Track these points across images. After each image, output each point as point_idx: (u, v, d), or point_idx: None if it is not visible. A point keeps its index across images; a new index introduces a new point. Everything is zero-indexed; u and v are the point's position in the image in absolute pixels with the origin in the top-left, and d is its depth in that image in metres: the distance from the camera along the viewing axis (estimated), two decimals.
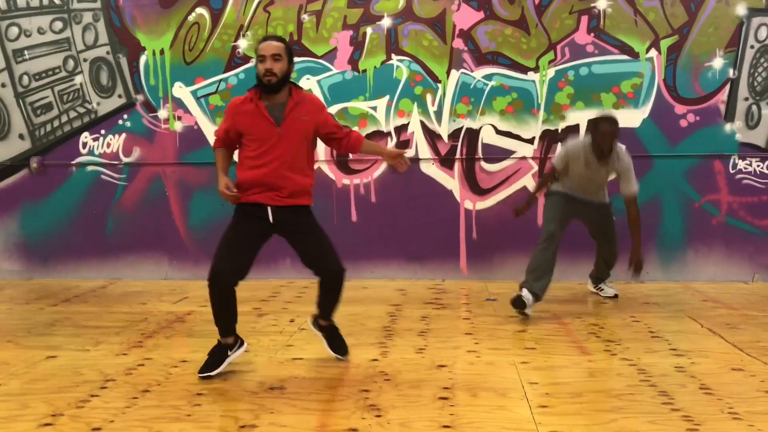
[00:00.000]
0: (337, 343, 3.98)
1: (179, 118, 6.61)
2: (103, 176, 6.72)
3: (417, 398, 3.30)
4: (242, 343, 3.85)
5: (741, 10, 6.12)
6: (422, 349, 4.17)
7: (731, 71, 6.18)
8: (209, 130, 6.59)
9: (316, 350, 4.14)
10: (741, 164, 6.24)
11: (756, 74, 6.17)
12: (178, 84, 6.59)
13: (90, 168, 6.72)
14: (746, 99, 6.20)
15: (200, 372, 3.63)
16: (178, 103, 6.60)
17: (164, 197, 6.69)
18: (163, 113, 6.62)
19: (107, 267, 6.73)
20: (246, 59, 6.50)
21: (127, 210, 6.71)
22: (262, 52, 3.59)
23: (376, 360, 3.95)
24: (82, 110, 6.68)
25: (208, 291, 3.60)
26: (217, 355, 3.72)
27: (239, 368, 3.81)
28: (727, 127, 6.22)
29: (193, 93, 6.60)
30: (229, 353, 3.75)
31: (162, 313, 5.21)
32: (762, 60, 6.15)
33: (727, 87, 6.19)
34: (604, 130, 4.81)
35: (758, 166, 6.23)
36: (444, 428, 2.93)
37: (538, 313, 4.99)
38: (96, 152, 6.71)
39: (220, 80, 6.56)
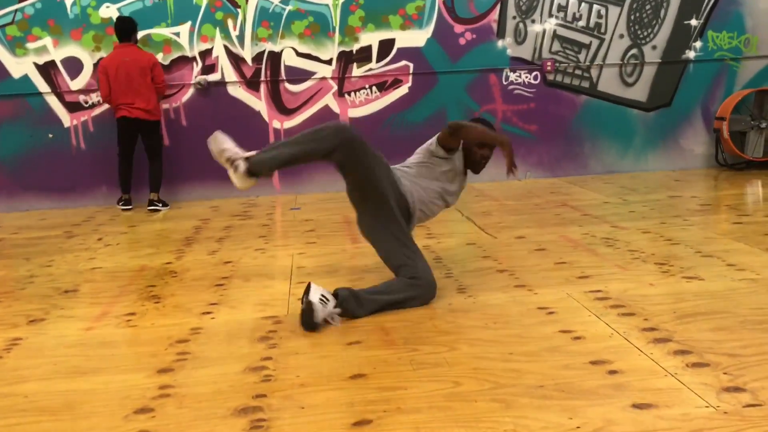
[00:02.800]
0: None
1: None
2: None
3: (196, 287, 3.84)
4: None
5: None
6: (215, 251, 4.70)
7: None
8: (9, 62, 6.58)
9: (116, 261, 4.56)
10: (512, 76, 7.11)
11: None
12: None
13: None
14: (514, 17, 7.02)
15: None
16: None
17: None
18: None
19: None
20: None
21: None
22: None
23: (169, 263, 4.43)
24: None
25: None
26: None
27: (37, 279, 4.17)
28: (500, 43, 7.03)
29: None
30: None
31: None
32: None
33: (498, 6, 6.97)
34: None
35: (526, 77, 7.13)
36: (211, 305, 3.49)
37: (326, 215, 5.65)
38: None
39: (16, 10, 6.52)
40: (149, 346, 2.93)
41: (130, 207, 6.45)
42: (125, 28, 6.20)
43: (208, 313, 3.36)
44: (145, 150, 6.43)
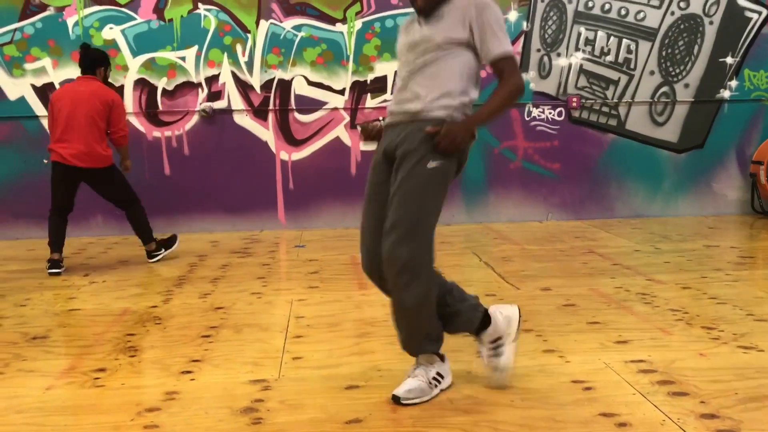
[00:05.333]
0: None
1: None
2: None
3: (180, 338, 3.39)
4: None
5: None
6: (207, 294, 4.26)
7: (525, 24, 6.58)
8: (6, 83, 6.26)
9: (99, 301, 4.13)
10: (535, 112, 6.70)
11: (546, 27, 6.60)
12: None
13: None
14: (538, 50, 6.63)
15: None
16: None
17: None
18: None
19: None
20: (43, 7, 6.18)
21: None
22: None
23: (155, 306, 4.00)
24: None
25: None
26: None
27: (6, 321, 3.74)
28: (522, 76, 6.62)
29: None
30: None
31: None
32: (551, 14, 6.58)
33: (521, 39, 6.59)
34: None
35: (550, 113, 6.72)
36: (193, 362, 3.04)
37: (332, 255, 5.21)
38: None
39: (15, 30, 6.21)
40: (113, 415, 2.48)
41: (58, 271, 4.92)
42: (92, 57, 5.02)
43: (188, 372, 2.92)
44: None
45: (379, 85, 6.53)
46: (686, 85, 6.75)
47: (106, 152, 4.98)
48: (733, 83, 6.78)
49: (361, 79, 6.53)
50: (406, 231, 2.44)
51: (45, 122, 6.31)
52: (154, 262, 5.29)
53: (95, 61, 5.04)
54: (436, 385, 2.57)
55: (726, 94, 6.78)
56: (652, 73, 6.71)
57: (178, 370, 2.94)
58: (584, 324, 3.45)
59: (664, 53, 6.68)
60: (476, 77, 2.61)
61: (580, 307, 3.76)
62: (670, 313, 3.60)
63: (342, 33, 6.46)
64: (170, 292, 4.34)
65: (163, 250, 5.38)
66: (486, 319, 2.66)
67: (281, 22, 6.39)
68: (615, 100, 6.73)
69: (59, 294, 4.35)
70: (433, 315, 2.59)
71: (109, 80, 5.44)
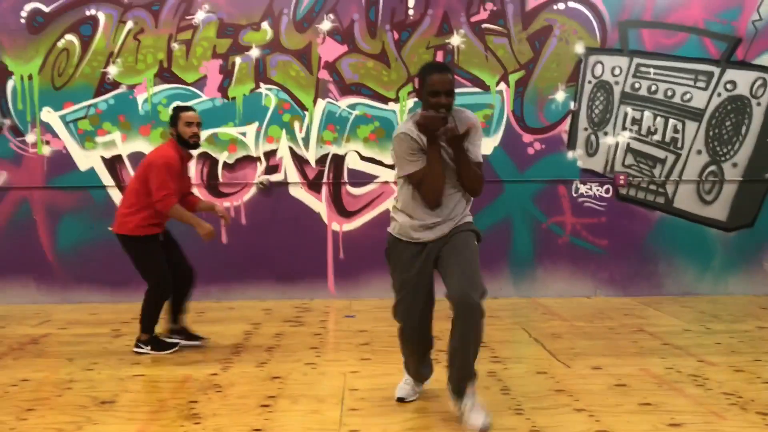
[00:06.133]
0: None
1: (47, 143, 6.65)
2: None
3: (240, 407, 3.53)
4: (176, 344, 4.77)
5: (579, 48, 6.73)
6: (264, 363, 4.40)
7: (572, 104, 6.77)
8: (78, 155, 6.66)
9: (160, 368, 4.30)
10: (582, 188, 6.82)
11: (594, 107, 6.78)
12: (46, 109, 6.64)
13: None
14: (586, 129, 6.80)
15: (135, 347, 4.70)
16: (47, 128, 6.64)
17: (32, 221, 6.68)
18: (31, 137, 6.65)
19: None
20: (115, 85, 6.62)
21: None
22: (189, 119, 4.64)
23: (215, 374, 4.15)
24: None
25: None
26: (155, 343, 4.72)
27: (76, 384, 3.93)
28: (570, 154, 6.79)
29: (62, 117, 6.65)
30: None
31: (17, 336, 5.23)
32: (598, 94, 6.77)
33: (569, 118, 6.78)
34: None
35: (597, 190, 6.82)
36: (255, 431, 3.16)
37: (382, 327, 5.33)
38: None
39: (90, 105, 6.65)
40: None
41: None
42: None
43: None
44: None
45: None
46: (734, 165, 6.81)
47: (128, 219, 4.58)
48: None
49: None
50: None
51: (112, 192, 6.68)
52: (135, 351, 4.69)
53: (169, 123, 4.76)
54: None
55: None
56: (699, 152, 6.80)
57: None
58: (636, 405, 3.48)
59: (711, 133, 6.78)
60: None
61: (632, 387, 3.79)
62: (723, 397, 3.60)
63: (394, 111, 6.74)
64: (229, 360, 4.49)
65: (149, 348, 4.68)
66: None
67: (337, 101, 6.71)
68: (662, 179, 6.82)
69: (123, 359, 4.55)
70: None
71: (184, 135, 4.68)
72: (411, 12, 6.67)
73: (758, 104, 6.76)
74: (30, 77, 6.62)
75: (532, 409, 3.44)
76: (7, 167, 6.65)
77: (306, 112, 6.72)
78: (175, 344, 4.77)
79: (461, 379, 3.24)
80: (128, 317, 5.89)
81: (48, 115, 6.64)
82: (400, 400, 3.59)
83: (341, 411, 3.44)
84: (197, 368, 4.27)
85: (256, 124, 6.72)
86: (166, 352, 4.68)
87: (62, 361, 4.48)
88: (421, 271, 3.32)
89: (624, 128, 6.79)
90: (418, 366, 3.57)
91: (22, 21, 6.57)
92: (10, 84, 6.61)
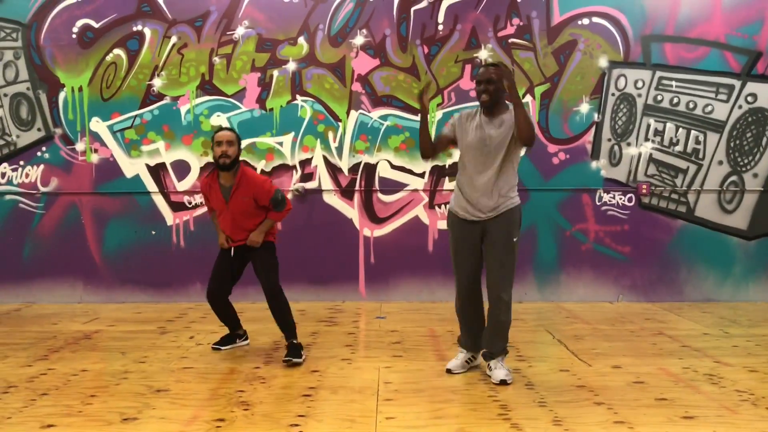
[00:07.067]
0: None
1: (95, 151, 7.05)
2: (21, 205, 7.07)
3: (284, 396, 3.83)
4: (246, 338, 5.19)
5: (603, 62, 6.98)
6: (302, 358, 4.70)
7: (596, 115, 7.01)
8: (124, 162, 7.05)
9: (207, 361, 4.63)
10: (606, 197, 7.05)
11: (617, 118, 7.01)
12: (95, 119, 7.04)
13: (8, 197, 7.07)
14: (609, 140, 7.03)
15: (213, 345, 5.02)
16: (95, 137, 7.04)
17: (80, 225, 7.07)
18: (80, 146, 7.05)
19: (23, 291, 7.05)
20: (160, 97, 7.00)
21: (44, 237, 7.07)
22: (218, 138, 4.68)
23: (258, 367, 4.46)
24: (1, 142, 7.04)
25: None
26: (227, 338, 5.07)
27: (131, 375, 4.27)
28: (593, 164, 7.03)
29: (110, 127, 7.05)
30: (237, 341, 5.11)
31: (71, 332, 5.60)
32: (622, 106, 7.00)
33: (593, 129, 7.01)
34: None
35: (620, 198, 7.05)
36: (299, 417, 3.46)
37: (412, 327, 5.60)
38: (15, 182, 7.07)
39: (136, 116, 7.04)
40: None
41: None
42: None
43: (296, 425, 3.34)
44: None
45: (456, 169, 7.01)
46: (755, 175, 6.99)
47: None
48: None
49: (440, 163, 7.06)
50: None
51: (156, 198, 7.06)
52: (294, 362, 4.54)
53: None
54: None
55: None
56: (720, 162, 6.99)
57: (287, 423, 3.37)
58: (653, 400, 3.72)
59: (732, 144, 6.98)
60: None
61: (649, 384, 4.02)
62: (736, 394, 3.82)
63: None
64: (269, 355, 4.80)
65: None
66: None
67: (369, 112, 7.02)
68: (684, 188, 7.02)
69: (171, 353, 4.88)
70: None
71: (214, 155, 4.77)
72: (440, 27, 6.97)
73: None
74: (80, 89, 7.03)
75: (554, 402, 3.70)
76: (58, 174, 7.06)
77: (339, 123, 7.04)
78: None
79: (491, 350, 4.19)
80: (171, 316, 6.24)
81: (96, 125, 7.04)
82: (449, 371, 4.28)
83: (377, 401, 3.72)
84: (241, 362, 4.59)
85: (292, 134, 7.05)
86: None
87: (115, 354, 4.83)
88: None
89: (647, 139, 7.01)
90: (467, 334, 4.35)
91: (74, 36, 6.98)
92: (61, 96, 7.03)
